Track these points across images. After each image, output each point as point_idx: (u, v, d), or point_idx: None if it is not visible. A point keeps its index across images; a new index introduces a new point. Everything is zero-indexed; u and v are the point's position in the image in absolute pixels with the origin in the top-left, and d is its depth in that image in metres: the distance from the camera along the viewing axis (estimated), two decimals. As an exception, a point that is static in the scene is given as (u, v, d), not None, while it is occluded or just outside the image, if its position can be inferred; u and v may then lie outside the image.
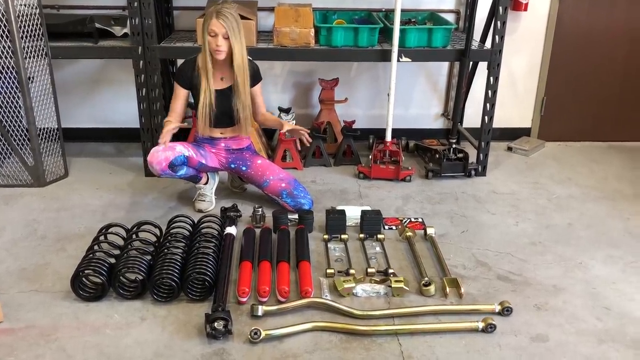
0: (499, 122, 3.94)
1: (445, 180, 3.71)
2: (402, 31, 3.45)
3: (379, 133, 3.85)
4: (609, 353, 2.21)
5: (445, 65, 4.26)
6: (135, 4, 3.28)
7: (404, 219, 3.18)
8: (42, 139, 3.50)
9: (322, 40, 3.53)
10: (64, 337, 2.23)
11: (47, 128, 3.53)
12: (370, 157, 3.75)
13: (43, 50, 3.39)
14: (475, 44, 3.70)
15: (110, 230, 2.75)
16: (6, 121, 3.44)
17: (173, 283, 2.40)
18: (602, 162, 4.10)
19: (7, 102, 3.42)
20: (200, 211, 3.19)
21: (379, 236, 2.94)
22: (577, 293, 2.57)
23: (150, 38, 3.37)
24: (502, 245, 2.95)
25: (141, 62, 3.42)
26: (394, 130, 3.73)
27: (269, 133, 4.15)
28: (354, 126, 3.98)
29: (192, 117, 3.90)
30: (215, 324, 2.18)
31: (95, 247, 2.63)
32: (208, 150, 3.21)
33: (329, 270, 2.64)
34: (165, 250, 2.58)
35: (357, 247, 2.90)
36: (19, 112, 3.51)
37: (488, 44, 3.70)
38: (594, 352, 2.21)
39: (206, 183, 3.28)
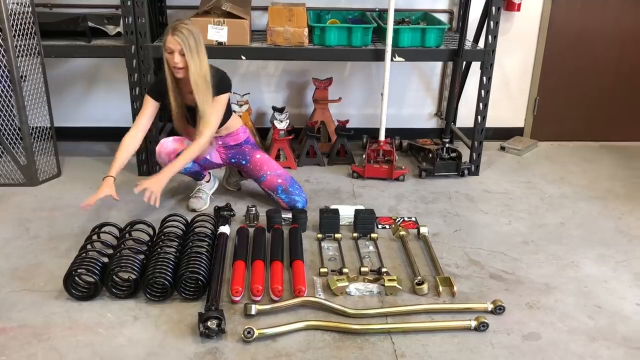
0: (492, 121, 3.95)
1: (438, 179, 3.72)
2: (395, 31, 3.46)
3: (373, 132, 3.86)
4: (600, 351, 2.23)
5: (438, 65, 4.27)
6: (129, 2, 3.27)
7: (397, 218, 3.19)
8: (34, 138, 3.49)
9: (316, 40, 3.53)
10: (57, 337, 2.22)
11: (40, 127, 3.52)
12: (363, 156, 3.75)
13: (36, 48, 3.38)
14: (468, 44, 3.71)
15: (103, 230, 2.74)
16: (-2, 120, 3.43)
17: (166, 282, 2.40)
18: (594, 161, 4.12)
19: (0, 101, 3.41)
20: (193, 210, 3.19)
21: (373, 235, 2.95)
22: (569, 292, 2.59)
23: (143, 37, 3.37)
24: (494, 244, 2.97)
25: (134, 61, 3.41)
26: (388, 130, 3.74)
27: (262, 132, 4.15)
28: (348, 126, 3.99)
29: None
30: (209, 323, 2.18)
31: (88, 247, 2.62)
32: (210, 147, 3.21)
33: (322, 269, 2.64)
34: (159, 250, 2.58)
35: (351, 246, 2.90)
36: (11, 111, 3.49)
37: (481, 44, 3.71)
38: (585, 350, 2.23)
39: (208, 181, 3.30)
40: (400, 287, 2.51)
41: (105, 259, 2.53)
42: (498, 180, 3.75)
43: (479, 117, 3.70)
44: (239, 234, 2.82)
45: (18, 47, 3.28)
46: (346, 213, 3.08)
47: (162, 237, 2.68)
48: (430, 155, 3.82)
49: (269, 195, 3.29)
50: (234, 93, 3.95)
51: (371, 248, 2.90)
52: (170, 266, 2.46)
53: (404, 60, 3.57)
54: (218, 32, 3.41)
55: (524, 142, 4.34)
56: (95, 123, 4.21)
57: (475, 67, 3.81)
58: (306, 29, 3.47)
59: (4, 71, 3.31)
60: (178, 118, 3.00)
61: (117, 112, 4.11)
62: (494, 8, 3.44)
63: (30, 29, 3.32)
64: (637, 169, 3.99)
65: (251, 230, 2.94)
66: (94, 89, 4.13)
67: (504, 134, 4.40)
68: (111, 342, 2.20)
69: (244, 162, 3.27)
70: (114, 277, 2.44)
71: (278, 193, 3.20)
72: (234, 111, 3.80)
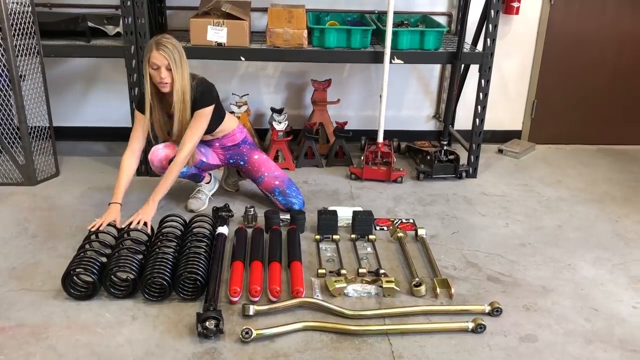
0: (489, 124, 3.97)
1: (436, 181, 3.73)
2: (394, 33, 3.47)
3: (371, 134, 3.87)
4: (597, 353, 2.24)
5: (437, 67, 4.29)
6: (129, 3, 3.28)
7: (395, 219, 3.20)
8: (33, 138, 3.49)
9: (315, 42, 3.54)
10: (55, 336, 2.22)
11: (39, 127, 3.52)
12: (362, 158, 3.76)
13: (35, 48, 3.38)
14: (467, 47, 3.72)
15: (101, 229, 2.74)
16: (-3, 119, 3.43)
17: (164, 282, 2.40)
18: (591, 165, 4.14)
19: (-1, 100, 3.42)
20: (192, 211, 3.19)
21: (371, 237, 2.96)
22: (565, 294, 2.60)
23: (143, 37, 3.37)
24: (492, 246, 2.98)
25: (134, 61, 3.41)
26: (386, 132, 3.74)
27: (261, 133, 4.15)
28: (346, 127, 3.99)
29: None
30: (207, 323, 2.19)
31: (87, 246, 2.62)
32: (206, 147, 3.22)
33: (320, 271, 2.65)
34: (157, 250, 2.58)
35: (349, 247, 2.91)
36: (10, 110, 3.49)
37: (480, 46, 3.73)
38: (582, 353, 2.24)
39: (208, 182, 3.31)
40: (398, 289, 2.52)
41: (104, 259, 2.53)
42: (496, 183, 3.76)
43: (477, 120, 3.71)
44: (238, 235, 2.83)
45: (17, 46, 3.28)
46: (344, 214, 3.08)
47: (161, 237, 2.68)
48: (429, 157, 3.83)
49: (266, 197, 3.29)
50: (232, 94, 3.97)
51: (369, 249, 2.90)
52: (169, 266, 2.46)
53: (402, 62, 3.58)
54: (217, 33, 3.41)
55: (521, 145, 4.35)
56: (94, 123, 4.21)
57: (474, 69, 3.82)
58: (305, 31, 3.48)
59: (3, 70, 3.31)
60: (160, 129, 2.98)
61: (116, 112, 4.11)
62: (492, 11, 3.46)
63: (29, 29, 3.32)
64: (634, 173, 4.01)
65: (249, 231, 2.94)
66: (93, 89, 4.13)
67: (502, 136, 4.41)
68: (109, 342, 2.20)
69: (242, 163, 3.28)
70: (112, 277, 2.44)
71: (275, 195, 3.20)
72: (232, 112, 3.82)
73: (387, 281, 2.52)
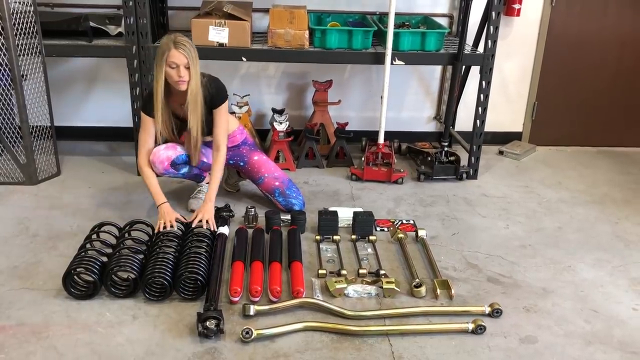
0: (490, 126, 3.97)
1: (436, 182, 3.73)
2: (395, 34, 3.47)
3: (372, 135, 3.87)
4: (597, 355, 2.24)
5: (438, 68, 4.29)
6: (130, 3, 3.28)
7: (395, 220, 3.20)
8: (34, 137, 3.50)
9: (317, 42, 3.55)
10: (55, 335, 2.23)
11: (40, 126, 3.53)
12: (362, 159, 3.76)
13: (37, 48, 3.38)
14: (468, 48, 3.73)
15: (102, 229, 2.75)
16: (-1, 118, 3.44)
17: (165, 282, 2.40)
18: (591, 166, 4.14)
19: (0, 100, 3.41)
20: (193, 211, 3.19)
21: (371, 237, 2.96)
22: (565, 296, 2.60)
23: (144, 37, 3.37)
24: (492, 247, 2.98)
25: (135, 61, 3.42)
26: (387, 133, 3.75)
27: (262, 134, 4.16)
28: (347, 128, 4.00)
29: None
30: (207, 323, 2.19)
31: (88, 246, 2.62)
32: (208, 149, 3.22)
33: (320, 271, 2.65)
34: (158, 250, 2.58)
35: (349, 248, 2.91)
36: (11, 109, 3.50)
37: (481, 48, 3.73)
38: (581, 354, 2.24)
39: (208, 183, 3.31)
40: (398, 290, 2.52)
41: (105, 259, 2.53)
42: (496, 184, 3.76)
43: (478, 121, 3.71)
44: (238, 235, 2.83)
45: (19, 46, 3.29)
46: (345, 215, 3.09)
47: (162, 237, 2.68)
48: (429, 158, 3.83)
49: (266, 197, 3.30)
50: (234, 94, 3.97)
51: (369, 250, 2.91)
52: (170, 266, 2.46)
53: (403, 63, 3.58)
54: (219, 34, 3.42)
55: (522, 146, 4.35)
56: (95, 123, 4.22)
57: (475, 71, 3.83)
58: (307, 32, 3.49)
59: (5, 70, 3.32)
60: (167, 129, 2.96)
61: (117, 112, 4.12)
62: (493, 13, 3.46)
63: (31, 28, 3.33)
64: (635, 174, 4.01)
65: (250, 231, 2.95)
66: (95, 89, 4.13)
67: (503, 138, 4.42)
68: (110, 341, 2.21)
69: (241, 164, 3.28)
70: (113, 276, 2.44)
71: (275, 196, 3.21)
72: (233, 112, 3.83)
73: (388, 282, 2.52)
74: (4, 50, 3.25)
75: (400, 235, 2.96)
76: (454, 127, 4.29)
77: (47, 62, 3.48)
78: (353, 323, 2.34)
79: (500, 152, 4.29)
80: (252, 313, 2.34)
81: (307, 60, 3.80)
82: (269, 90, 4.24)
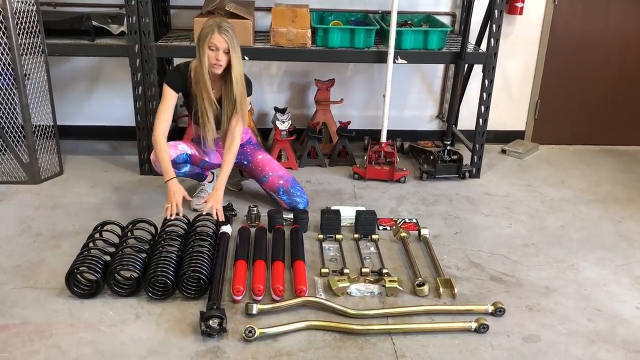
0: (493, 124, 3.97)
1: (439, 181, 3.73)
2: (398, 33, 3.47)
3: (374, 134, 3.87)
4: (600, 354, 2.24)
5: (440, 67, 4.29)
6: (133, 2, 3.28)
7: (398, 219, 3.20)
8: (37, 136, 3.50)
9: (319, 41, 3.54)
10: (59, 334, 2.23)
11: (43, 125, 3.53)
12: (365, 158, 3.76)
13: (39, 47, 3.39)
14: (470, 47, 3.72)
15: (105, 228, 2.75)
16: (1, 118, 3.43)
17: (168, 281, 2.41)
18: (594, 165, 4.14)
19: (3, 99, 3.42)
20: (195, 210, 3.20)
21: (374, 236, 2.96)
22: (568, 294, 2.60)
23: (147, 36, 3.38)
24: (495, 246, 2.98)
25: (138, 60, 3.42)
26: (389, 132, 3.75)
27: (264, 133, 4.16)
28: (350, 127, 4.00)
29: (187, 116, 3.91)
30: (210, 321, 2.19)
31: (91, 245, 2.63)
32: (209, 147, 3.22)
33: (323, 270, 2.65)
34: (161, 248, 2.58)
35: (352, 247, 2.91)
36: (14, 109, 3.50)
37: (483, 46, 3.73)
38: (585, 353, 2.24)
39: (211, 181, 3.32)
40: (401, 288, 2.52)
41: (107, 257, 2.54)
42: (499, 183, 3.76)
43: (480, 120, 3.71)
44: (241, 234, 2.83)
45: (22, 45, 3.29)
46: (347, 214, 3.09)
47: (164, 236, 2.68)
48: (432, 157, 3.83)
49: (270, 196, 3.30)
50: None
51: (372, 249, 2.90)
52: (172, 265, 2.46)
53: (406, 62, 3.58)
54: (221, 33, 3.41)
55: (524, 145, 4.35)
56: (97, 122, 4.22)
57: (477, 69, 3.82)
58: (309, 30, 3.49)
59: (7, 69, 3.32)
60: (206, 114, 2.94)
61: (119, 111, 4.13)
62: (496, 11, 3.46)
63: (34, 28, 3.33)
64: (638, 173, 4.00)
65: (253, 230, 2.95)
66: (97, 88, 4.14)
67: (505, 137, 4.41)
68: (113, 340, 2.21)
69: (245, 163, 3.28)
70: (116, 275, 2.45)
71: (279, 194, 3.21)
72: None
73: (390, 281, 2.52)
74: (6, 49, 3.26)
75: (403, 234, 2.96)
76: (456, 126, 4.29)
77: (49, 61, 3.49)
78: (356, 322, 2.33)
79: (503, 151, 4.29)
80: (254, 312, 2.34)
81: (309, 59, 3.80)
82: (271, 89, 4.24)
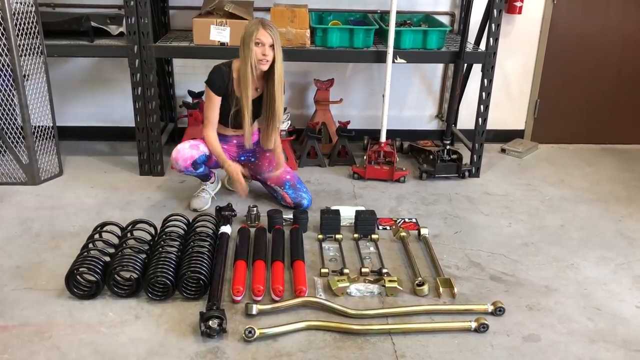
0: (492, 124, 3.97)
1: (439, 181, 3.73)
2: (397, 33, 3.47)
3: (374, 134, 3.87)
4: (600, 353, 2.23)
5: (439, 67, 4.28)
6: (132, 3, 3.28)
7: (398, 219, 3.20)
8: (36, 137, 3.50)
9: (318, 41, 3.54)
10: (58, 335, 2.23)
11: (42, 126, 3.53)
12: (364, 157, 3.76)
13: (39, 48, 3.39)
14: (469, 46, 3.72)
15: (105, 229, 2.75)
16: (1, 119, 3.43)
17: (168, 282, 2.40)
18: (594, 164, 4.13)
19: (2, 100, 3.42)
20: (195, 210, 3.20)
21: (373, 236, 2.96)
22: (568, 294, 2.60)
23: (146, 37, 3.37)
24: (495, 246, 2.98)
25: (137, 61, 3.42)
26: (389, 131, 3.74)
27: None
28: (349, 127, 3.99)
29: (187, 117, 3.91)
30: (210, 322, 2.19)
31: (90, 245, 2.62)
32: (222, 147, 3.22)
33: (323, 270, 2.65)
34: (160, 249, 2.58)
35: (351, 247, 2.91)
36: (13, 109, 3.50)
37: (482, 46, 3.72)
38: (585, 352, 2.23)
39: (213, 182, 3.35)
40: (401, 288, 2.52)
41: (107, 258, 2.54)
42: (498, 183, 3.76)
43: (480, 119, 3.71)
44: (240, 234, 2.83)
45: (21, 46, 3.29)
46: (347, 214, 3.08)
47: (164, 236, 2.68)
48: (431, 157, 3.83)
49: (272, 193, 3.30)
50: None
51: (372, 249, 2.90)
52: (172, 266, 2.46)
53: (405, 62, 3.58)
54: (220, 33, 3.42)
55: (524, 144, 4.35)
56: (97, 122, 4.22)
57: (477, 69, 3.82)
58: (308, 30, 3.48)
59: (7, 70, 3.32)
60: (245, 112, 2.99)
61: (119, 111, 4.13)
62: (495, 11, 3.45)
63: (33, 29, 3.33)
64: (638, 172, 4.00)
65: (252, 230, 2.95)
66: (96, 89, 4.14)
67: (505, 136, 4.41)
68: (113, 341, 2.21)
69: (253, 160, 3.30)
70: (115, 276, 2.45)
71: (285, 188, 3.22)
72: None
73: (390, 280, 2.52)
74: (5, 50, 3.26)
75: (403, 233, 2.96)
76: (456, 125, 4.29)
77: (48, 62, 3.49)
78: (356, 322, 2.33)
79: (503, 150, 4.29)
80: (254, 312, 2.34)
81: (308, 59, 3.80)
82: (271, 89, 4.23)
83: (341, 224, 3.03)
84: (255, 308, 2.34)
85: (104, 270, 2.45)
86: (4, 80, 3.40)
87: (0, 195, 3.35)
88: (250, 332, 2.20)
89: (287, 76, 4.15)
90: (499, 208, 3.40)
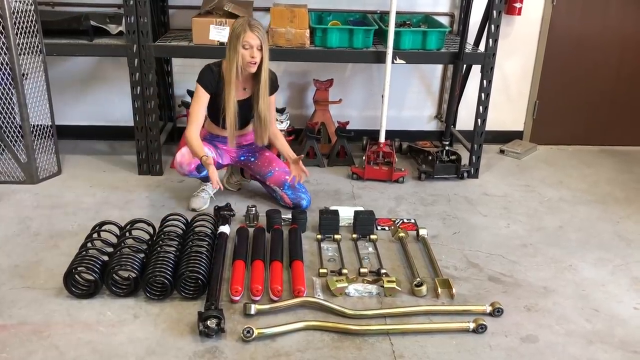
0: (491, 124, 3.97)
1: (437, 182, 3.73)
2: (396, 33, 3.47)
3: (373, 134, 3.87)
4: (598, 354, 2.24)
5: (439, 67, 4.29)
6: (131, 2, 3.28)
7: (396, 219, 3.20)
8: (35, 136, 3.50)
9: (317, 41, 3.54)
10: (57, 334, 2.23)
11: (41, 125, 3.53)
12: (363, 158, 3.76)
13: (38, 47, 3.38)
14: (469, 47, 3.72)
15: (103, 228, 2.75)
16: None
17: (166, 281, 2.40)
18: (593, 165, 4.14)
19: (1, 99, 3.41)
20: (193, 210, 3.19)
21: (372, 237, 2.96)
22: (566, 295, 2.60)
23: (145, 36, 3.37)
24: (493, 246, 2.98)
25: (136, 60, 3.42)
26: (388, 132, 3.75)
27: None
28: (348, 127, 4.00)
29: (186, 116, 3.91)
30: (208, 322, 2.19)
31: (89, 245, 2.63)
32: (221, 149, 3.24)
33: (321, 270, 2.65)
34: (159, 249, 2.58)
35: (350, 247, 2.91)
36: (12, 108, 3.50)
37: (482, 47, 3.73)
38: (583, 353, 2.24)
39: None
40: (399, 289, 2.52)
41: (106, 258, 2.53)
42: (497, 184, 3.76)
43: (479, 120, 3.71)
44: (239, 234, 2.83)
45: (20, 45, 3.29)
46: (346, 214, 3.08)
47: (162, 236, 2.68)
48: (430, 157, 3.83)
49: (271, 193, 3.30)
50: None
51: (370, 249, 2.90)
52: (170, 265, 2.46)
53: (404, 62, 3.58)
54: (220, 33, 3.42)
55: (523, 145, 4.35)
56: (96, 122, 4.22)
57: (476, 70, 3.83)
58: (308, 31, 3.49)
59: (6, 69, 3.32)
60: (231, 113, 3.00)
61: (118, 111, 4.13)
62: (494, 12, 3.46)
63: (32, 27, 3.33)
64: (637, 173, 4.01)
65: (251, 230, 2.95)
66: (95, 88, 4.13)
67: (504, 137, 4.41)
68: (111, 340, 2.21)
69: (252, 159, 3.30)
70: (114, 275, 2.44)
71: (284, 188, 3.22)
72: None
73: (389, 281, 2.52)
74: (4, 49, 3.25)
75: (401, 234, 2.96)
76: (455, 126, 4.29)
77: (47, 61, 3.48)
78: (354, 322, 2.33)
79: (501, 151, 4.29)
80: (253, 312, 2.34)
81: (308, 59, 3.80)
82: (270, 89, 4.23)
83: (340, 224, 3.03)
84: (253, 308, 2.34)
85: (102, 270, 2.44)
86: (2, 79, 3.39)
87: (-1, 194, 3.35)
88: (248, 332, 2.20)
89: (286, 76, 4.18)
90: (497, 209, 3.40)
